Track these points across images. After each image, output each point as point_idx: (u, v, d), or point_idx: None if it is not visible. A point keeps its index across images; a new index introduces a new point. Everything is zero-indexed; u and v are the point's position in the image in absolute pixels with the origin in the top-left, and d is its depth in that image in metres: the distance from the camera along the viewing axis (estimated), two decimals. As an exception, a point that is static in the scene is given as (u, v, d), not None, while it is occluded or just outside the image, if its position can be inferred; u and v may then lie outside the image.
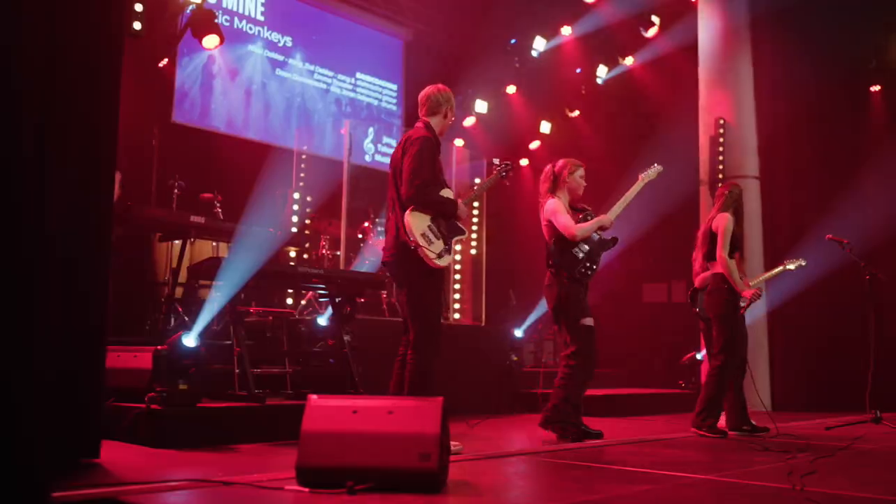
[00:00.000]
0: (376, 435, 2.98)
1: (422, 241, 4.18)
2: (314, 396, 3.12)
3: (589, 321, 5.03)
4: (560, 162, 5.26)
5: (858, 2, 8.67)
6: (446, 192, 4.39)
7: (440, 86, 4.58)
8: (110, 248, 3.80)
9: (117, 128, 3.71)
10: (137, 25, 6.67)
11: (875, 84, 9.52)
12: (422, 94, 4.57)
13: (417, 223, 4.21)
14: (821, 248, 6.97)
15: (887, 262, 8.82)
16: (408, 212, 4.21)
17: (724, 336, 5.60)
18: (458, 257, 9.16)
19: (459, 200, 4.45)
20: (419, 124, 4.46)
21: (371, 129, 10.39)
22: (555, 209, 5.10)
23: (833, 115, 9.32)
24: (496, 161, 5.04)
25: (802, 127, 9.13)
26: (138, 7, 6.63)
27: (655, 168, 5.50)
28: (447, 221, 4.37)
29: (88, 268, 3.55)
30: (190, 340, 4.48)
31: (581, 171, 5.21)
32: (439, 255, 4.24)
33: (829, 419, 6.80)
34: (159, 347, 4.41)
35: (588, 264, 5.08)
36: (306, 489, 2.89)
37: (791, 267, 6.28)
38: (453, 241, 4.38)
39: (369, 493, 2.85)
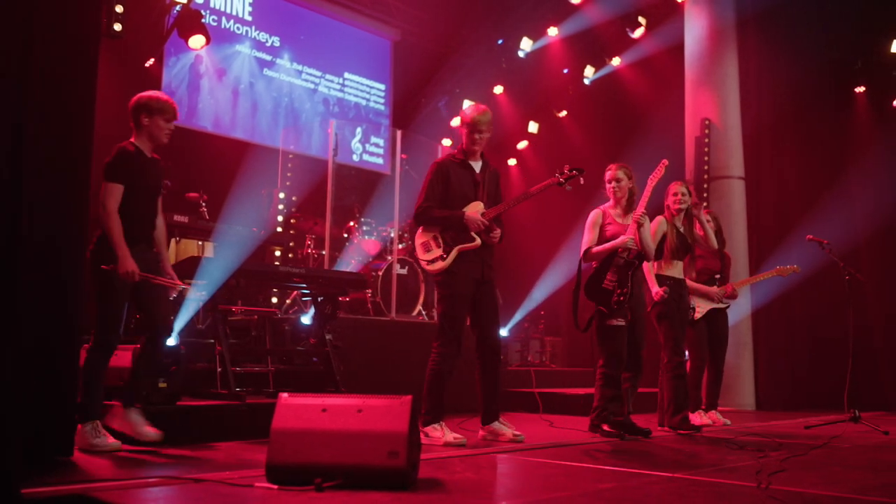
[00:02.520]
0: (345, 433, 3.03)
1: (418, 252, 4.78)
2: (285, 395, 3.16)
3: (617, 322, 5.08)
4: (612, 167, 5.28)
5: (844, 3, 8.72)
6: (472, 207, 4.71)
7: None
8: (87, 246, 3.83)
9: (93, 127, 3.75)
10: (118, 27, 6.70)
11: (860, 85, 9.56)
12: None
13: (421, 237, 4.78)
14: (805, 247, 7.01)
15: (872, 261, 8.91)
16: (418, 230, 4.81)
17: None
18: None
19: (466, 212, 4.70)
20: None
21: (359, 129, 10.41)
22: (587, 223, 5.25)
23: (818, 115, 9.37)
24: (560, 174, 4.83)
25: (788, 127, 9.18)
26: (119, 8, 6.66)
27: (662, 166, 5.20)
28: (457, 233, 4.68)
29: (64, 266, 3.57)
30: (170, 339, 4.50)
31: (618, 175, 5.23)
32: (432, 261, 4.69)
33: (811, 418, 6.85)
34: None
35: (618, 292, 4.98)
36: (275, 486, 2.93)
37: (784, 273, 6.42)
38: (459, 247, 4.66)
39: (337, 490, 2.88)
